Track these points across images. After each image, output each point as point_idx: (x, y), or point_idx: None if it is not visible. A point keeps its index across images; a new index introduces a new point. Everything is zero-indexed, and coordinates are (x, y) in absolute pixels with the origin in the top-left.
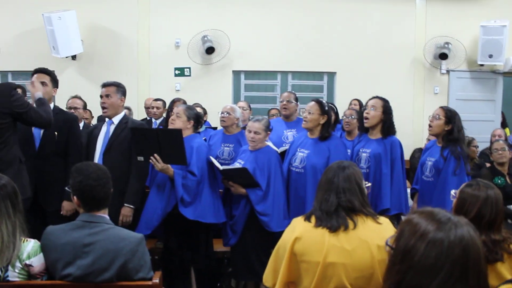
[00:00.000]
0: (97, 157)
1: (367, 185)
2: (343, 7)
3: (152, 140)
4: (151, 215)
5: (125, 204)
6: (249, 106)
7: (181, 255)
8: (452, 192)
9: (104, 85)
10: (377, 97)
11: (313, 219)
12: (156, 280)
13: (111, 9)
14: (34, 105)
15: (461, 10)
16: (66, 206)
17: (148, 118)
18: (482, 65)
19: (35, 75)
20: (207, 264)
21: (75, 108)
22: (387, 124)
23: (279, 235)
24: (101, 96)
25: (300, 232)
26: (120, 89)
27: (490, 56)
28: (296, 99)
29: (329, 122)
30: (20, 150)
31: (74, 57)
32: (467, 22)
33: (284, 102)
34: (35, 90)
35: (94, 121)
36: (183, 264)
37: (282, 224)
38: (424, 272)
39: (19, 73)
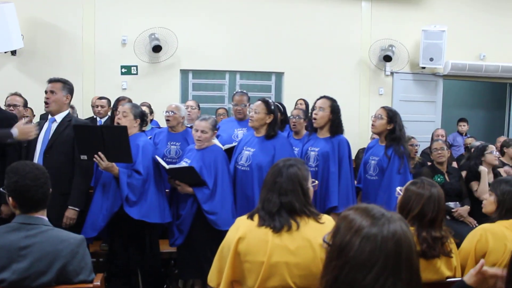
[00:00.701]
0: (37, 157)
1: (314, 184)
2: (292, 8)
3: (96, 137)
4: (96, 216)
5: (69, 207)
6: (198, 105)
7: (127, 257)
8: (398, 189)
9: (50, 81)
10: (324, 97)
11: (256, 218)
12: (97, 283)
13: (54, 2)
14: None
15: (404, 14)
16: (5, 210)
17: (93, 117)
18: (423, 67)
19: None
20: (153, 265)
21: (15, 105)
22: (335, 123)
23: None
24: (45, 92)
25: (243, 232)
26: (67, 86)
27: (431, 59)
28: (249, 100)
29: (275, 121)
30: None
31: (14, 53)
32: (410, 26)
33: (239, 107)
34: None
35: (35, 120)
36: (128, 266)
37: (230, 222)
38: (359, 267)
39: None
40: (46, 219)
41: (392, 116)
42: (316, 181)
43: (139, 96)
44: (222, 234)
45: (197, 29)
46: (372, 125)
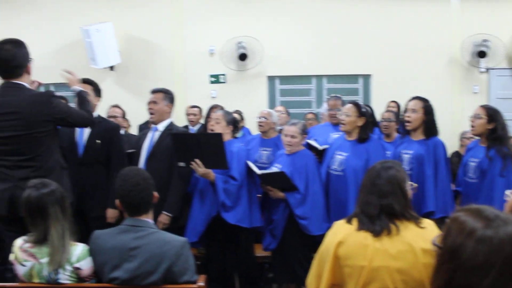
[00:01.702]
0: (141, 164)
1: (412, 186)
2: (376, 8)
3: (193, 145)
4: (196, 221)
5: (164, 212)
6: (287, 111)
7: (223, 261)
8: (508, 192)
9: (152, 92)
10: (417, 97)
11: (354, 221)
12: (201, 283)
13: (146, 19)
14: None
15: (499, 5)
16: (109, 213)
17: (186, 125)
18: None
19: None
20: (249, 269)
21: (114, 116)
22: (429, 125)
23: (319, 238)
24: (149, 102)
25: (343, 236)
26: (168, 95)
27: None
28: (343, 104)
29: (367, 124)
30: (61, 157)
31: (112, 68)
32: (505, 18)
33: (333, 112)
34: (72, 84)
35: (131, 130)
36: (225, 270)
37: (322, 227)
38: (474, 270)
39: (60, 85)
40: (152, 222)
41: (492, 114)
42: (415, 184)
43: (228, 104)
44: (314, 239)
45: (282, 36)
46: (472, 126)
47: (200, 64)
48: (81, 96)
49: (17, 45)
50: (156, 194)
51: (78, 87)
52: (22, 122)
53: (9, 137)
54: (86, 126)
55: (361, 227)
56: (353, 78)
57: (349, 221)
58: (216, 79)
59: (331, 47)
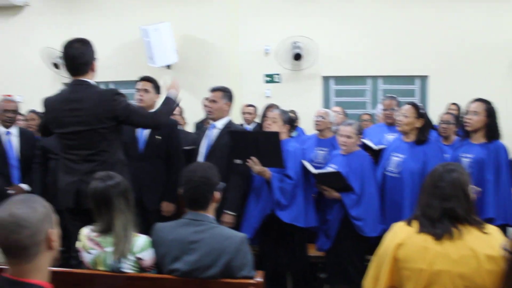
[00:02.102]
0: (201, 161)
1: (475, 190)
2: (434, 6)
3: (250, 143)
4: (250, 218)
5: (225, 211)
6: (344, 112)
7: (276, 259)
8: None
9: (211, 90)
10: (478, 99)
11: (415, 224)
12: (260, 279)
13: (202, 19)
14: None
15: None
16: (165, 207)
17: (242, 124)
18: None
19: (140, 83)
20: (302, 268)
21: (173, 114)
22: (491, 128)
23: (373, 240)
24: (207, 100)
25: (402, 238)
26: (227, 94)
27: None
28: (398, 104)
29: (425, 126)
30: (123, 153)
31: (169, 67)
32: None
33: (388, 112)
34: (171, 87)
35: (187, 127)
36: (277, 268)
37: (376, 229)
38: None
39: (119, 83)
40: (212, 217)
41: None
42: (478, 188)
43: (281, 103)
44: (368, 241)
45: (337, 36)
46: None
47: (255, 64)
48: (167, 100)
49: (84, 43)
50: (218, 195)
51: (174, 92)
52: (87, 117)
53: (75, 132)
54: (147, 127)
55: (422, 229)
56: (409, 79)
57: (409, 223)
58: (270, 78)
59: (387, 47)
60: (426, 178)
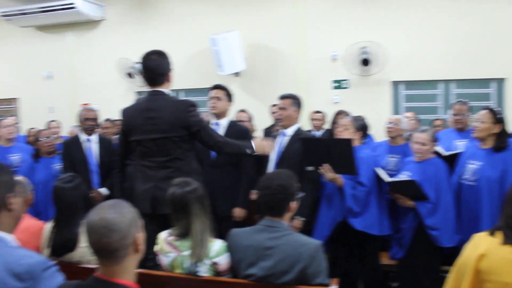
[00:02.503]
0: (271, 169)
1: None
2: (509, 7)
3: (322, 150)
4: (322, 225)
5: (295, 217)
6: (416, 117)
7: (348, 267)
8: None
9: (280, 98)
10: None
11: (498, 235)
12: (335, 287)
13: (270, 27)
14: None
15: None
16: (237, 213)
17: (310, 130)
18: None
19: (213, 91)
20: (374, 277)
21: (242, 121)
22: None
23: (448, 250)
24: (276, 108)
25: (485, 249)
26: (296, 101)
27: None
28: (469, 109)
29: (504, 132)
30: (197, 161)
31: (237, 74)
32: None
33: (459, 117)
34: (259, 142)
35: (256, 134)
36: (349, 276)
37: (453, 239)
38: None
39: (189, 90)
40: (287, 224)
41: None
42: None
43: (350, 109)
44: (443, 251)
45: (406, 40)
46: None
47: (322, 70)
48: (247, 144)
49: (161, 55)
50: (294, 204)
51: (258, 146)
52: (162, 126)
53: (151, 140)
54: (210, 148)
55: (507, 241)
56: (484, 82)
57: (492, 234)
58: (338, 84)
59: (460, 49)
60: (510, 188)
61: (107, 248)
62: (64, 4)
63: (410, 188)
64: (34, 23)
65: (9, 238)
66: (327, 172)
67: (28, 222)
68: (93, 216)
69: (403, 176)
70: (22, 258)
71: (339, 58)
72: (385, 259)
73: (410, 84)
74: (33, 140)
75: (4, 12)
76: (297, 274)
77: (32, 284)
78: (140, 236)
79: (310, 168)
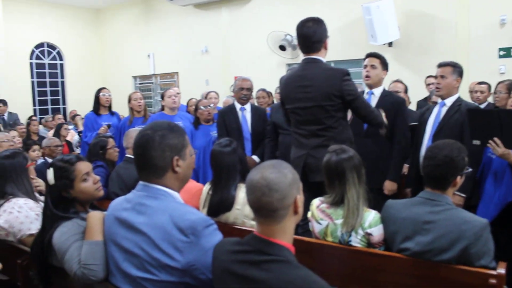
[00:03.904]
0: (426, 139)
1: None
2: None
3: (492, 123)
4: (487, 205)
5: (455, 192)
6: None
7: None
8: None
9: (440, 65)
10: None
11: None
12: (502, 270)
13: None
14: None
15: None
16: (388, 186)
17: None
18: None
19: (367, 59)
20: None
21: (397, 92)
22: None
23: None
24: (435, 77)
25: None
26: (457, 69)
27: None
28: None
29: None
30: (350, 131)
31: (390, 44)
32: None
33: None
34: None
35: (410, 106)
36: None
37: None
38: None
39: (340, 62)
40: (450, 198)
41: None
42: None
43: None
44: None
45: None
46: None
47: (487, 37)
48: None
49: (317, 22)
50: (459, 179)
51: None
52: (315, 94)
53: (305, 107)
54: (364, 119)
55: None
56: None
57: None
58: (506, 52)
59: None
60: None
61: (267, 207)
62: None
63: None
64: (193, 1)
65: (176, 194)
66: (498, 146)
67: (189, 183)
68: (254, 175)
69: None
70: (185, 214)
71: (508, 22)
72: None
73: None
74: (192, 109)
75: None
76: (458, 253)
77: (194, 239)
78: (300, 198)
79: (476, 142)
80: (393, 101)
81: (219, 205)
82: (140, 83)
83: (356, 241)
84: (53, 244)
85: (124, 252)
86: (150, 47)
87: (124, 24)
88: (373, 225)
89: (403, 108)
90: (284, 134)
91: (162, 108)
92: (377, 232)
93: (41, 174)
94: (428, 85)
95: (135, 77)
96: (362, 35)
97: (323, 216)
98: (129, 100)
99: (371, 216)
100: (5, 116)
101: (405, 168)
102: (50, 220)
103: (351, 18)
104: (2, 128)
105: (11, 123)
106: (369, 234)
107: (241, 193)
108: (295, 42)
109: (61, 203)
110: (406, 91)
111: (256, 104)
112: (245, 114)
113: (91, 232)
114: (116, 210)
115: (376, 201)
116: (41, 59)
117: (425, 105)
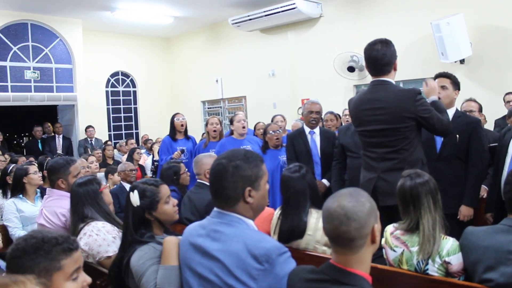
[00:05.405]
0: (508, 162)
1: None
2: None
3: None
4: None
5: None
6: None
7: None
8: None
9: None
10: None
11: None
12: None
13: (500, 4)
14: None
15: None
16: (464, 211)
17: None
18: None
19: (436, 80)
20: None
21: (470, 111)
22: None
23: None
24: None
25: None
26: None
27: None
28: None
29: None
30: (423, 152)
31: (462, 61)
32: None
33: None
34: (429, 92)
35: (487, 126)
36: None
37: None
38: None
39: (409, 81)
40: None
41: None
42: None
43: None
44: None
45: None
46: None
47: None
48: (436, 105)
49: (385, 44)
50: None
51: (435, 96)
52: (388, 116)
53: (376, 130)
54: (443, 134)
55: None
56: None
57: None
58: None
59: None
60: None
61: (345, 236)
62: (286, 5)
63: None
64: (259, 27)
65: (250, 222)
66: None
67: None
68: (331, 204)
69: None
70: (260, 241)
71: None
72: None
73: None
74: (260, 133)
75: (234, 20)
76: None
77: (268, 267)
78: (378, 227)
79: None
80: (467, 122)
81: (290, 232)
82: (208, 108)
83: (434, 270)
84: (131, 267)
85: (199, 278)
86: (218, 72)
87: (192, 51)
88: (451, 253)
89: (478, 129)
90: (353, 157)
91: (231, 132)
92: (456, 261)
93: (116, 197)
94: (507, 102)
95: (203, 102)
96: (432, 53)
97: (397, 243)
98: (206, 124)
99: (449, 243)
100: (93, 141)
101: (483, 191)
102: (129, 244)
103: (420, 36)
104: (90, 151)
105: (98, 148)
106: (448, 263)
107: (312, 219)
108: (362, 62)
109: (142, 225)
110: (480, 110)
111: (324, 127)
112: (315, 138)
113: (167, 257)
114: (191, 236)
115: (452, 227)
116: (116, 87)
117: (504, 123)
